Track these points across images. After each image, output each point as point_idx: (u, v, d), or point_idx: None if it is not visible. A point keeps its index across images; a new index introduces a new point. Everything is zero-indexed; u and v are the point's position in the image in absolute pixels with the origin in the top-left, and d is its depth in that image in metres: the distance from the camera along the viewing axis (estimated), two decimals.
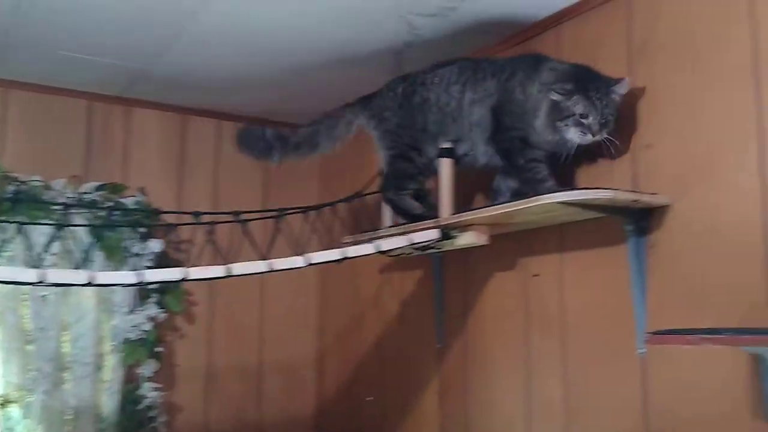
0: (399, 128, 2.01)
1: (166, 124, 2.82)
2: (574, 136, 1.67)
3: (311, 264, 1.70)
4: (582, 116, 1.65)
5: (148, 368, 2.55)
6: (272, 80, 2.52)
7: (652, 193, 1.64)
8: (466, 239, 1.92)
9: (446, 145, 1.96)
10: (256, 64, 2.37)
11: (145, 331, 2.54)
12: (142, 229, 2.53)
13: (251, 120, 2.94)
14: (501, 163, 1.90)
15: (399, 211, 2.04)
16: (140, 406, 2.52)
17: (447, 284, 2.33)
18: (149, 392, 2.54)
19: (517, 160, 1.80)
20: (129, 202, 2.59)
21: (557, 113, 1.68)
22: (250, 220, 1.75)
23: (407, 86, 2.01)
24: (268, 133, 2.11)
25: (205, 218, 1.78)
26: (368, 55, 2.27)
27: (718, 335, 1.18)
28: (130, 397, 2.51)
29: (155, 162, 2.78)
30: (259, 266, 1.65)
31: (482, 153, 1.92)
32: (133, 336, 2.52)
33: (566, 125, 1.67)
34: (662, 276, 1.65)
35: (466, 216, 1.84)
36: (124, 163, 2.71)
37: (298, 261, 1.70)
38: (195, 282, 2.65)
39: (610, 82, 1.67)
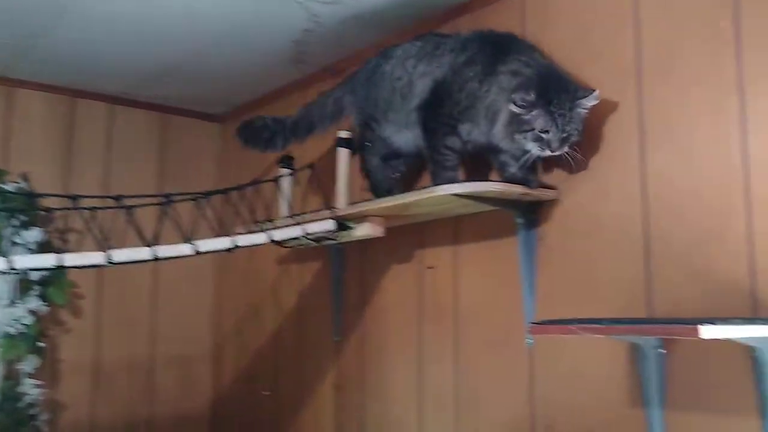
0: (364, 101, 1.92)
1: (52, 106, 2.67)
2: (533, 149, 1.55)
3: (199, 252, 1.65)
4: (542, 131, 1.52)
5: (29, 364, 2.41)
6: (168, 65, 2.43)
7: (541, 188, 1.67)
8: (362, 231, 1.91)
9: (343, 134, 1.94)
10: (148, 47, 2.28)
11: (26, 325, 2.40)
12: (22, 217, 2.39)
13: (147, 106, 2.84)
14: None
15: (369, 185, 1.94)
16: (20, 404, 2.37)
17: (345, 276, 2.31)
18: (30, 389, 2.40)
19: (436, 142, 1.72)
20: (11, 188, 2.44)
21: (516, 125, 1.55)
22: (135, 206, 1.66)
23: (378, 58, 1.91)
24: (268, 120, 2.05)
25: (88, 204, 1.68)
26: (269, 43, 2.22)
27: (595, 324, 1.21)
28: (9, 395, 2.36)
29: (40, 146, 2.63)
30: (143, 254, 1.57)
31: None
32: (12, 330, 2.37)
33: (525, 138, 1.55)
34: (550, 268, 1.69)
35: (362, 207, 1.82)
36: (5, 146, 2.55)
37: (185, 249, 1.63)
38: (81, 273, 2.56)
39: (577, 93, 1.53)
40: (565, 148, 1.54)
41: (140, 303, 2.79)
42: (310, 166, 1.99)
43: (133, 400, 2.73)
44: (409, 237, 2.07)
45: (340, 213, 1.87)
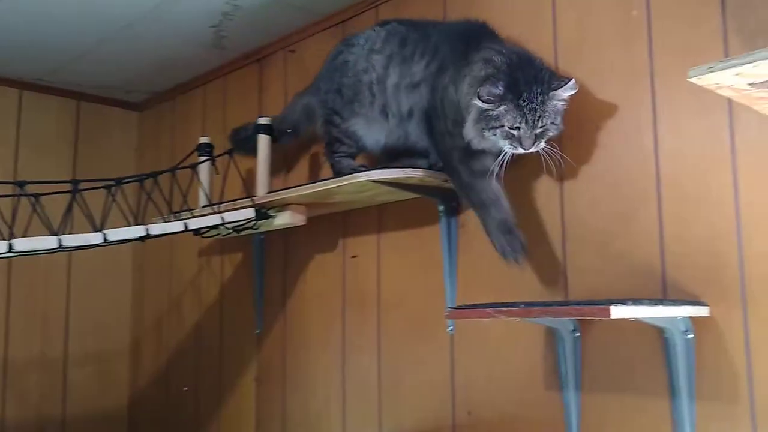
0: (326, 93, 1.79)
1: None
2: (505, 146, 1.39)
3: (108, 241, 1.57)
4: (512, 128, 1.37)
5: None
6: (82, 50, 2.32)
7: None
8: (283, 219, 1.87)
9: (263, 120, 1.90)
10: (60, 31, 2.17)
11: None
12: None
13: (62, 92, 2.72)
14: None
15: (335, 173, 1.75)
16: None
17: (267, 267, 2.26)
18: None
19: (450, 167, 1.56)
20: None
21: (484, 121, 1.39)
22: (41, 194, 1.57)
23: (339, 46, 1.79)
24: (251, 127, 1.97)
25: None
26: (187, 27, 2.15)
27: (510, 308, 1.21)
28: None
29: None
30: (48, 243, 1.49)
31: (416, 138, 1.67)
32: None
33: (494, 135, 1.39)
34: (471, 254, 1.69)
35: (282, 195, 1.78)
36: None
37: (93, 238, 1.56)
38: None
39: (551, 83, 1.37)
40: (540, 145, 1.39)
41: (53, 297, 2.67)
42: (229, 152, 1.93)
43: (45, 399, 2.61)
44: (332, 226, 2.04)
45: (260, 201, 1.83)
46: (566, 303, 1.37)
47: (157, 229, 1.65)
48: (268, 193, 1.83)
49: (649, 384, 1.37)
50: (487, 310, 1.25)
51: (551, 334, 1.51)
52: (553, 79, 1.39)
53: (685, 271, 1.33)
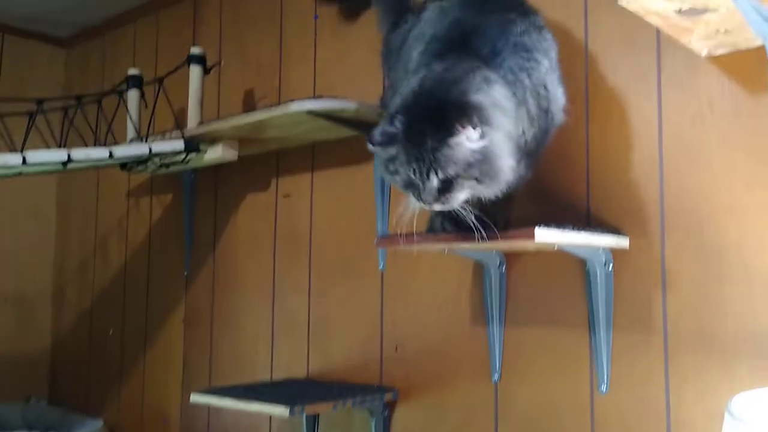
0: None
1: None
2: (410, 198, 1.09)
3: (29, 163, 1.51)
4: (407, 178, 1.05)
5: None
6: None
7: None
8: (214, 153, 1.83)
9: (196, 51, 1.84)
10: None
11: None
12: None
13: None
14: None
15: None
16: None
17: (197, 208, 2.22)
18: None
19: None
20: None
21: (384, 163, 1.09)
22: None
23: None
24: None
25: None
26: None
27: (434, 234, 1.22)
28: None
29: None
30: None
31: None
32: None
33: (395, 183, 1.09)
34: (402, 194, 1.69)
35: (213, 126, 1.74)
36: None
37: (12, 158, 1.49)
38: None
39: (449, 127, 0.99)
40: (452, 204, 1.05)
41: None
42: (159, 80, 1.87)
43: None
44: (265, 166, 2.01)
45: (191, 133, 1.78)
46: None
47: (80, 154, 1.59)
48: (199, 125, 1.79)
49: (570, 316, 1.40)
50: (414, 237, 1.25)
51: (478, 270, 1.53)
52: (455, 119, 0.99)
53: (608, 204, 1.36)
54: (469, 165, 1.01)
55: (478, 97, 1.02)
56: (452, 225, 1.19)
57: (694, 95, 1.28)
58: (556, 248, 1.26)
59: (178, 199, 2.27)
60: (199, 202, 2.21)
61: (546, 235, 1.13)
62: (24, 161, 1.49)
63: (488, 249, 1.41)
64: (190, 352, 2.19)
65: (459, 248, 1.36)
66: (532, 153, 1.14)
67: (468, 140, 1.00)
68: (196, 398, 1.65)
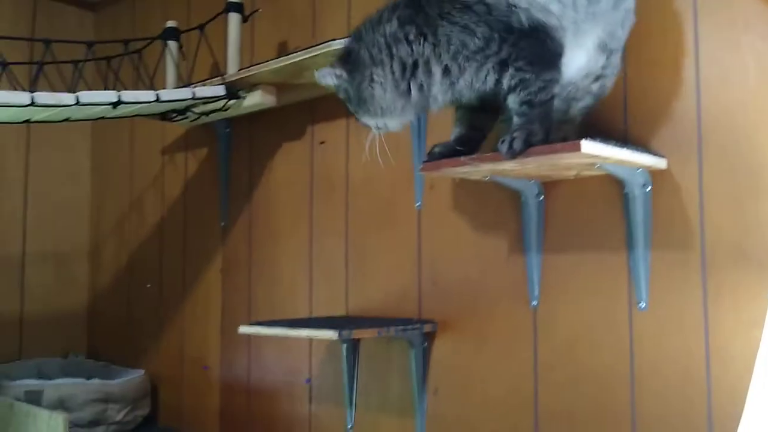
0: None
1: None
2: None
3: (81, 103, 1.56)
4: None
5: None
6: None
7: None
8: (253, 99, 1.88)
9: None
10: None
11: None
12: None
13: None
14: None
15: None
16: None
17: (232, 159, 2.27)
18: None
19: None
20: None
21: None
22: (8, 63, 1.55)
23: None
24: None
25: None
26: None
27: (485, 155, 1.27)
28: None
29: None
30: (20, 98, 1.48)
31: None
32: None
33: None
34: (440, 136, 1.74)
35: (254, 70, 1.79)
36: None
37: (66, 98, 1.55)
38: None
39: None
40: (365, 124, 1.34)
41: (9, 195, 2.63)
42: (200, 27, 1.92)
43: (2, 298, 2.59)
44: (300, 114, 2.06)
45: (231, 78, 1.83)
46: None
47: (129, 96, 1.65)
48: (239, 70, 1.84)
49: (608, 239, 1.45)
50: (461, 159, 1.30)
51: (516, 200, 1.58)
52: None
53: (646, 125, 1.40)
54: (346, 97, 1.30)
55: (352, 44, 1.27)
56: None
57: (730, 17, 1.32)
58: (597, 167, 1.31)
59: (213, 152, 2.33)
60: (234, 154, 2.26)
61: (591, 147, 1.17)
62: (77, 101, 1.54)
63: (527, 176, 1.46)
64: (228, 300, 2.26)
65: (498, 172, 1.41)
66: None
67: (336, 77, 1.28)
68: (244, 329, 1.71)
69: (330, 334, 1.54)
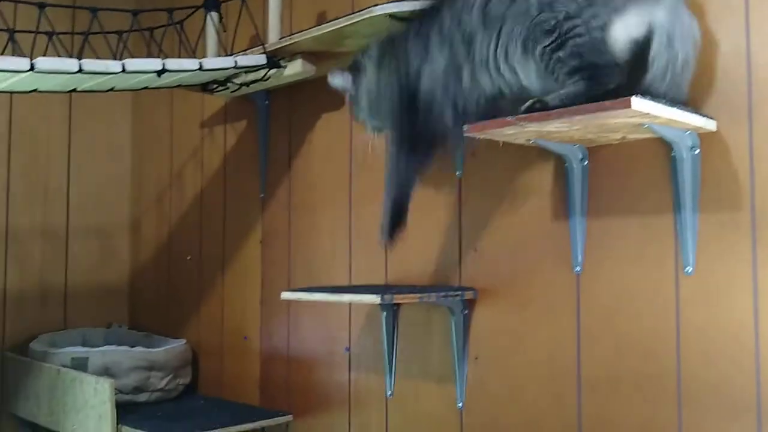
0: None
1: None
2: None
3: (126, 71, 1.58)
4: None
5: None
6: None
7: None
8: (293, 68, 1.89)
9: None
10: None
11: None
12: None
13: None
14: None
15: None
16: None
17: (272, 131, 2.29)
18: None
19: None
20: None
21: None
22: (57, 32, 1.58)
23: None
24: None
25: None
26: None
27: (532, 114, 1.26)
28: None
29: None
30: (69, 65, 1.50)
31: None
32: None
33: None
34: None
35: (295, 38, 1.80)
36: None
37: (113, 65, 1.57)
38: None
39: None
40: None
41: (53, 168, 2.69)
42: None
43: (47, 269, 2.65)
44: None
45: (272, 47, 1.84)
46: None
47: (173, 64, 1.67)
48: (280, 39, 1.85)
49: (654, 204, 1.44)
50: (508, 119, 1.30)
51: (560, 166, 1.57)
52: None
53: (695, 87, 1.37)
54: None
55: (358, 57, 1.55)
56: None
57: None
58: (645, 127, 1.29)
59: (252, 124, 2.35)
60: (273, 126, 2.28)
61: (642, 105, 1.16)
62: (123, 68, 1.56)
63: (571, 139, 1.45)
64: (267, 271, 2.28)
65: (543, 135, 1.39)
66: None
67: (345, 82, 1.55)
68: (286, 295, 1.73)
69: (372, 299, 1.55)
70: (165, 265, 2.70)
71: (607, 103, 1.17)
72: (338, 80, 1.53)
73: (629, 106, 1.14)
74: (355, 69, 1.53)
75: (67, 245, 2.70)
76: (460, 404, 1.73)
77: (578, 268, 1.54)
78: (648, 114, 1.20)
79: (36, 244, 2.63)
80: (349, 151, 2.05)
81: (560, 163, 1.57)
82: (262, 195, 2.30)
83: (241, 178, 2.40)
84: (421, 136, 1.47)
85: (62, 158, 2.70)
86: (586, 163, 1.53)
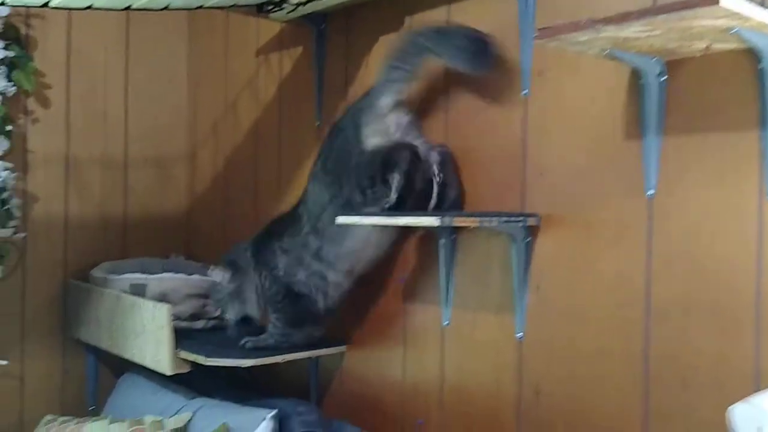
0: None
1: None
2: None
3: None
4: None
5: None
6: None
7: None
8: None
9: None
10: None
11: None
12: None
13: None
14: None
15: None
16: None
17: (328, 58, 2.22)
18: (0, 172, 2.32)
19: None
20: None
21: None
22: None
23: None
24: None
25: None
26: None
27: (610, 15, 1.16)
28: None
29: None
30: None
31: None
32: None
33: None
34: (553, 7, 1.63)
35: None
36: None
37: None
38: (47, 62, 2.45)
39: None
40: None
41: (112, 101, 2.69)
42: None
43: (107, 197, 2.68)
44: (397, 5, 1.98)
45: None
46: None
47: None
48: None
49: (738, 121, 1.33)
50: (581, 22, 1.20)
51: (634, 81, 1.47)
52: None
53: None
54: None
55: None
56: None
57: None
58: (733, 32, 1.18)
59: (308, 50, 2.29)
60: (329, 51, 2.21)
61: (731, 3, 1.05)
62: None
63: (650, 49, 1.34)
64: None
65: (620, 43, 1.29)
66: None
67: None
68: (341, 219, 1.69)
69: (430, 221, 1.50)
70: (221, 196, 2.70)
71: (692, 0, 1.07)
72: (218, 276, 2.05)
73: (717, 3, 1.04)
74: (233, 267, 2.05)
75: (126, 175, 2.71)
76: (519, 334, 1.68)
77: (651, 191, 1.45)
78: (738, 15, 1.10)
79: (96, 174, 2.65)
80: None
81: (635, 79, 1.46)
82: (317, 123, 2.25)
83: (296, 106, 2.35)
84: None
85: (120, 87, 2.70)
86: (664, 78, 1.42)
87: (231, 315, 2.09)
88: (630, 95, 1.48)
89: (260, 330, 2.09)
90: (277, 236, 1.99)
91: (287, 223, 1.99)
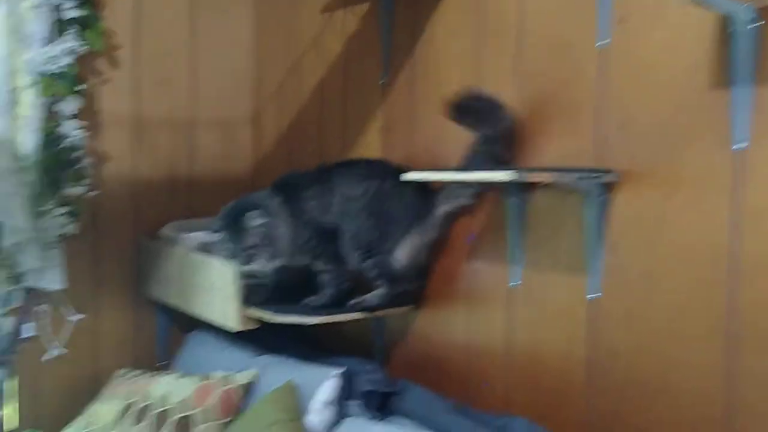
0: None
1: None
2: None
3: None
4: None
5: (69, 105, 2.37)
6: None
7: None
8: None
9: None
10: None
11: (64, 65, 2.33)
12: None
13: None
14: None
15: None
16: (63, 145, 2.35)
17: (395, 13, 2.18)
18: (71, 131, 2.36)
19: None
20: None
21: None
22: None
23: None
24: None
25: None
26: None
27: None
28: (51, 135, 2.33)
29: None
30: None
31: None
32: (51, 69, 2.31)
33: None
34: None
35: None
36: None
37: None
38: (117, 21, 2.48)
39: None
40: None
41: (178, 63, 2.71)
42: None
43: (174, 158, 2.71)
44: None
45: None
46: None
47: None
48: None
49: None
50: None
51: (722, 30, 1.38)
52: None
53: None
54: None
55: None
56: None
57: None
58: None
59: (374, 6, 2.24)
60: (396, 7, 2.17)
61: None
62: None
63: None
64: (389, 157, 2.21)
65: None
66: None
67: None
68: (408, 175, 1.66)
69: (503, 176, 1.46)
70: (285, 157, 2.70)
71: None
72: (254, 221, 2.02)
73: None
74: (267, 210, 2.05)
75: (192, 136, 2.74)
76: (590, 296, 1.63)
77: (740, 145, 1.37)
78: None
79: (163, 135, 2.68)
80: (477, 27, 1.91)
81: (723, 27, 1.38)
82: (382, 81, 2.22)
83: (361, 64, 2.32)
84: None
85: (186, 48, 2.71)
86: (756, 25, 1.34)
87: (261, 266, 2.04)
88: (718, 44, 1.40)
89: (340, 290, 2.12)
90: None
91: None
